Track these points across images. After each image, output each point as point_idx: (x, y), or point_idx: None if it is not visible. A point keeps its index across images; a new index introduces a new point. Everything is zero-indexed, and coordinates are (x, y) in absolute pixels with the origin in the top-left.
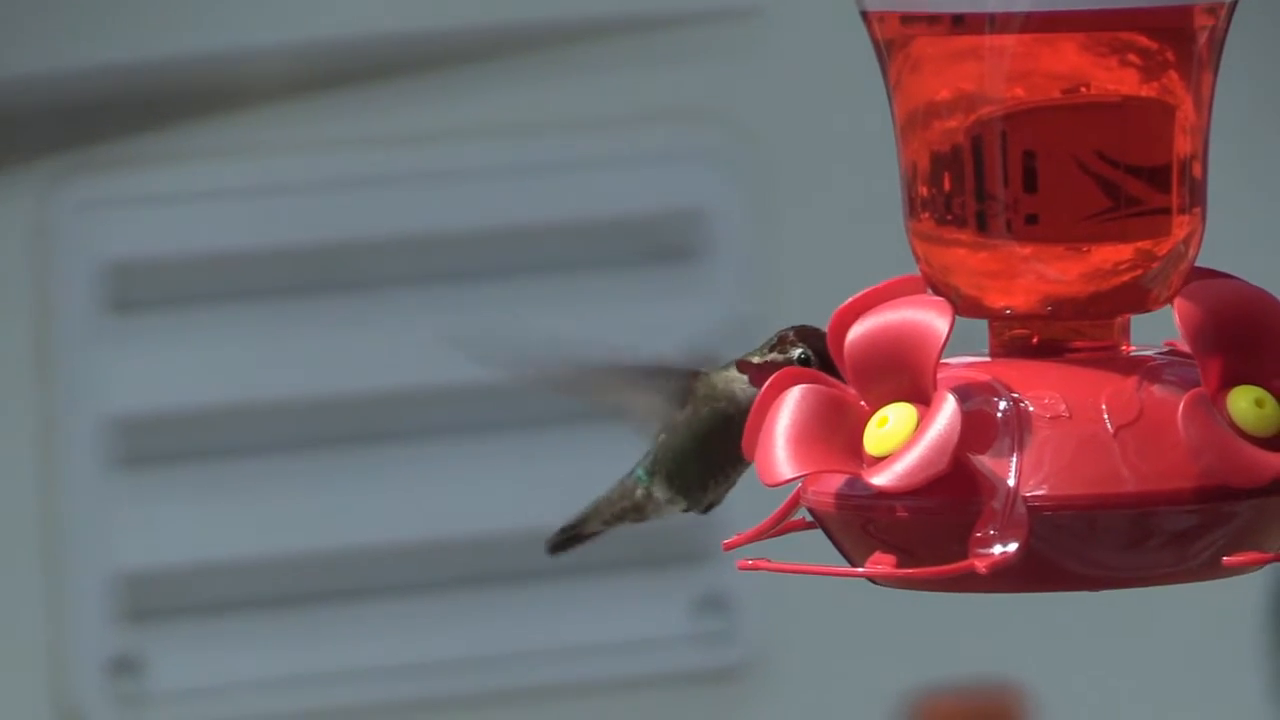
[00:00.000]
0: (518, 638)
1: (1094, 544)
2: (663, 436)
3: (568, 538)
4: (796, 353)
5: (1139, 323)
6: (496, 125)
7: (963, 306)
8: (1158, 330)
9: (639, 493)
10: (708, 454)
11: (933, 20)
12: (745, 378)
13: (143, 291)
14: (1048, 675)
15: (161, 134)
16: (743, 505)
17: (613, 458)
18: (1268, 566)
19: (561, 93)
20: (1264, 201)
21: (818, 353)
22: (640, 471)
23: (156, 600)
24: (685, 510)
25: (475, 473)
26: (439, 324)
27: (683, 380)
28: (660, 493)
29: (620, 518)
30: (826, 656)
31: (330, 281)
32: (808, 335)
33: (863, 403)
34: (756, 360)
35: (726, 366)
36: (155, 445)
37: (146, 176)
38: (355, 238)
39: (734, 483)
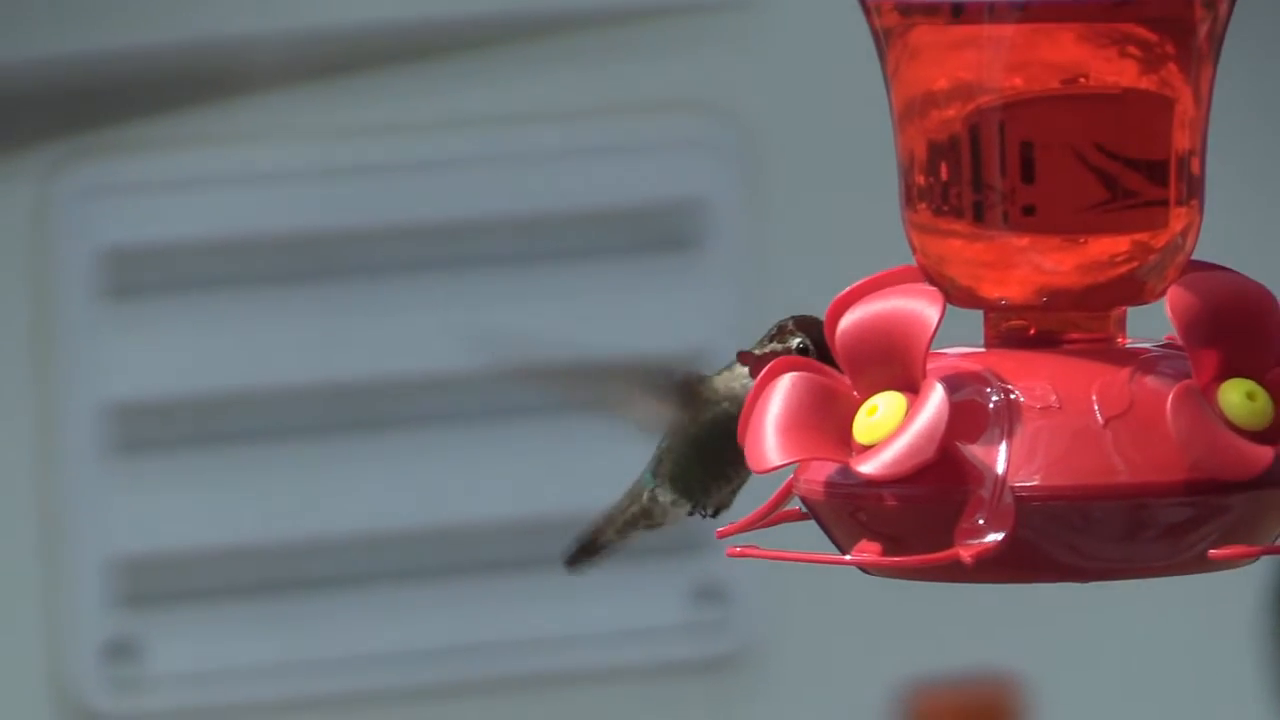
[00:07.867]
0: (514, 626)
1: (1080, 535)
2: (666, 440)
3: (583, 549)
4: (795, 342)
5: (1137, 318)
6: (494, 114)
7: (958, 297)
8: (1156, 325)
9: (645, 496)
10: (708, 457)
11: (931, 9)
12: (746, 373)
13: (141, 277)
14: (1043, 668)
15: (161, 120)
16: (741, 495)
17: (608, 447)
18: (1264, 560)
19: (559, 82)
20: (1263, 196)
21: (816, 342)
22: (647, 474)
23: (154, 585)
24: (690, 514)
25: (473, 460)
26: (436, 312)
27: (685, 384)
28: (664, 496)
29: (632, 524)
30: (823, 647)
31: (328, 268)
32: (806, 325)
33: (854, 392)
34: (757, 353)
35: (730, 365)
36: (153, 431)
37: (145, 162)
38: (353, 225)
39: (739, 485)
